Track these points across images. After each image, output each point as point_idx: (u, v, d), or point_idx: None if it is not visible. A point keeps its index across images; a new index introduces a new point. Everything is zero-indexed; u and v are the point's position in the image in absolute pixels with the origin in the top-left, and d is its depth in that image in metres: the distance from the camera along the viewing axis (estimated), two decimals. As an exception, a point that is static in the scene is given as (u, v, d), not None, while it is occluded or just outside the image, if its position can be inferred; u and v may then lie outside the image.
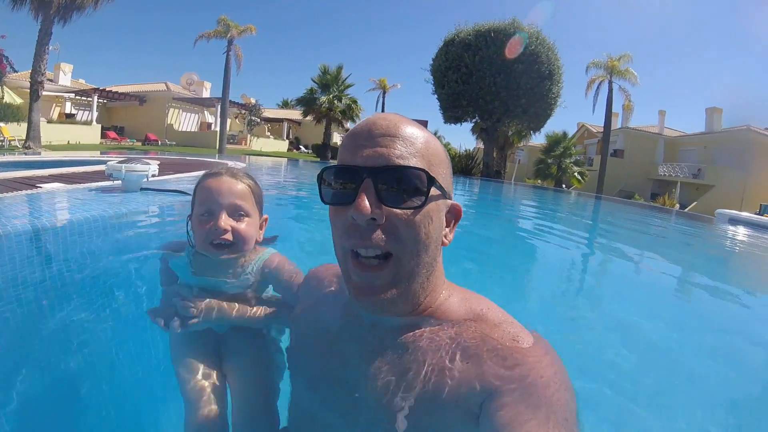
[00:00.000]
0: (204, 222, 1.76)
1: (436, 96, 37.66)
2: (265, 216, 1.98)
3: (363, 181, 1.01)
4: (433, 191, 1.05)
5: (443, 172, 1.11)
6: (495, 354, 1.03)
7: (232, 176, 1.82)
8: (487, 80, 33.16)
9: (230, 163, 11.68)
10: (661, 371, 3.35)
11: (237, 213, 1.78)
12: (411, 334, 1.13)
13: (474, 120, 37.63)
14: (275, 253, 1.99)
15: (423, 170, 1.03)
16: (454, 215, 1.19)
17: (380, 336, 1.17)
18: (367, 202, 0.99)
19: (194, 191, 1.85)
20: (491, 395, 0.97)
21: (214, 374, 1.76)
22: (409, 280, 1.08)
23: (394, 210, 1.02)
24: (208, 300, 1.73)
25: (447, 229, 1.17)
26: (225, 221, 1.74)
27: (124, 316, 2.80)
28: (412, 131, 1.07)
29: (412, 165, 1.02)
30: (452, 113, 36.58)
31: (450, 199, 1.16)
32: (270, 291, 2.02)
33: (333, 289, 1.45)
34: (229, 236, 1.75)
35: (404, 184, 1.02)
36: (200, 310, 1.69)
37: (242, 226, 1.79)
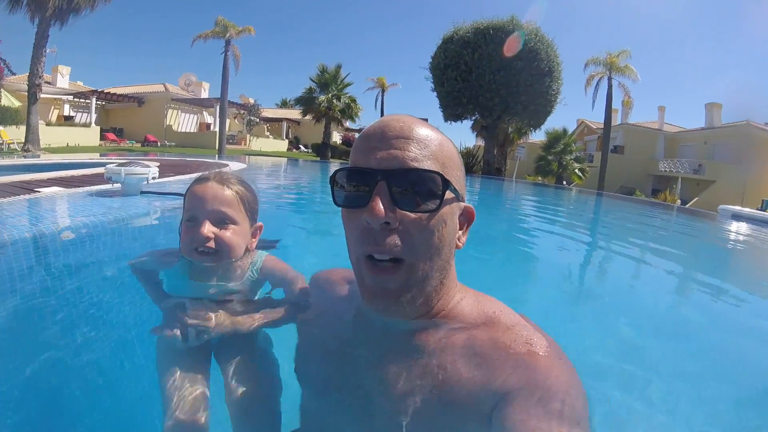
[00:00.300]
0: (189, 229, 1.73)
1: (435, 94, 37.46)
2: (259, 224, 1.96)
3: (377, 183, 1.00)
4: (448, 194, 1.04)
5: (457, 175, 1.09)
6: (507, 357, 1.02)
7: (219, 182, 1.78)
8: (486, 77, 33.01)
9: (227, 167, 11.63)
10: (667, 368, 3.29)
11: (222, 220, 1.74)
12: (424, 337, 1.11)
13: (474, 117, 37.50)
14: (269, 256, 1.98)
15: (438, 173, 1.01)
16: (467, 218, 1.18)
17: (393, 340, 1.15)
18: (381, 206, 0.98)
19: (184, 197, 1.81)
20: (503, 399, 0.97)
21: (199, 383, 1.70)
22: (422, 284, 1.06)
23: (409, 214, 1.00)
24: (219, 312, 1.68)
25: (460, 233, 1.16)
26: (208, 229, 1.70)
27: (126, 323, 2.73)
28: (426, 133, 1.05)
29: (426, 168, 1.01)
30: (452, 111, 36.38)
31: (463, 201, 1.15)
32: (262, 293, 1.99)
33: (343, 293, 1.42)
34: (212, 244, 1.71)
35: (419, 187, 1.01)
36: (214, 322, 1.64)
37: (227, 234, 1.74)
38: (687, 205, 31.02)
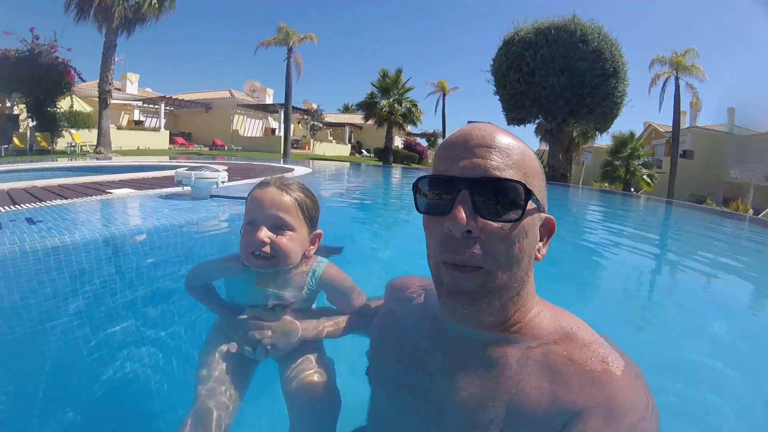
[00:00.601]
0: (247, 232, 1.76)
1: (498, 97, 36.75)
2: (318, 231, 1.96)
3: (459, 192, 1.01)
4: (530, 204, 1.03)
5: (539, 185, 1.09)
6: (582, 376, 1.01)
7: (279, 188, 1.80)
8: (550, 79, 32.10)
9: (292, 171, 11.74)
10: (739, 394, 3.02)
11: (279, 226, 1.77)
12: (498, 349, 1.10)
13: (537, 121, 36.78)
14: (330, 264, 2.01)
15: (520, 183, 1.01)
16: (548, 229, 1.17)
17: (467, 350, 1.15)
18: (463, 214, 0.98)
19: (246, 200, 1.85)
20: (575, 417, 0.96)
21: (233, 383, 1.77)
22: (499, 292, 1.05)
23: (491, 223, 1.00)
24: (286, 323, 1.78)
25: (540, 244, 1.14)
26: (265, 234, 1.72)
27: (196, 324, 2.77)
28: (509, 142, 1.05)
29: (508, 177, 1.01)
30: (515, 114, 35.55)
31: (544, 212, 1.14)
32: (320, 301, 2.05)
33: (419, 300, 1.43)
34: (267, 249, 1.73)
35: (501, 197, 1.01)
36: (281, 336, 1.74)
37: (283, 239, 1.76)
38: (760, 215, 29.72)
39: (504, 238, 1.00)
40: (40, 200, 5.32)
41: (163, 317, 2.99)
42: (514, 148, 1.04)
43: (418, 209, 1.11)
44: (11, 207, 4.83)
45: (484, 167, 1.00)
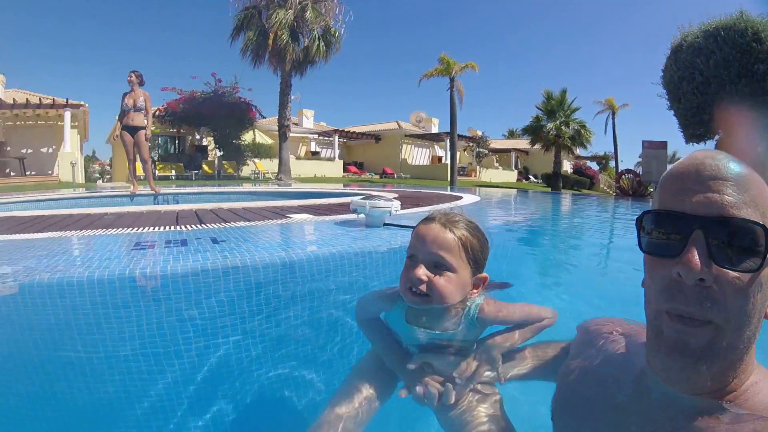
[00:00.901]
0: (407, 267, 1.73)
1: (672, 112, 33.47)
2: (484, 275, 1.83)
3: (692, 232, 0.91)
4: None
5: None
6: None
7: (443, 225, 1.73)
8: (727, 88, 27.00)
9: (460, 199, 11.59)
10: None
11: (438, 265, 1.69)
12: (707, 420, 0.97)
13: (718, 137, 33.24)
14: (487, 300, 1.87)
15: (761, 225, 0.89)
16: None
17: (671, 415, 1.02)
18: (697, 259, 0.89)
19: (411, 232, 1.81)
20: None
21: (371, 405, 1.76)
22: (724, 355, 0.94)
23: (727, 272, 0.89)
24: (463, 365, 1.75)
25: None
26: (422, 272, 1.67)
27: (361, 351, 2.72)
28: (745, 173, 0.94)
29: (747, 217, 0.89)
30: (693, 131, 31.56)
31: None
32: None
33: (620, 350, 1.31)
34: (423, 287, 1.67)
35: (739, 241, 0.89)
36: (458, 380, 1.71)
37: (440, 280, 1.68)
38: None
39: (739, 291, 0.89)
40: (225, 221, 5.61)
41: (331, 340, 3.10)
42: (752, 182, 0.93)
43: (640, 248, 1.03)
44: (198, 226, 5.13)
45: (720, 204, 0.90)
